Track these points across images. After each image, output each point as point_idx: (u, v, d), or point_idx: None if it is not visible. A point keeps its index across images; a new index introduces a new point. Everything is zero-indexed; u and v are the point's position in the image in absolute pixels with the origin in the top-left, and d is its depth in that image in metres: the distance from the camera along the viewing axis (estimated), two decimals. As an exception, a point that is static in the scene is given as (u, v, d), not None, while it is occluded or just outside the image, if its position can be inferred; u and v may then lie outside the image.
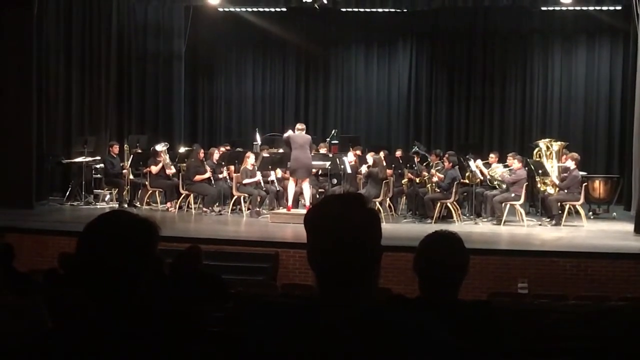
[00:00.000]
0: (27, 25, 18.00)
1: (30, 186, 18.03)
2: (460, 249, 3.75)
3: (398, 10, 22.91)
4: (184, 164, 18.67)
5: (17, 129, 17.83)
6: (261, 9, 23.59)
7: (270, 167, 17.85)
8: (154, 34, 23.54)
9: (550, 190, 17.14)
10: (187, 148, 20.55)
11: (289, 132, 16.93)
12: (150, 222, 2.64)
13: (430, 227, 15.33)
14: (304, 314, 2.40)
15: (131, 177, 18.94)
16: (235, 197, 17.71)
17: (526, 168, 16.99)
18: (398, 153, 19.55)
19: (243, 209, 17.58)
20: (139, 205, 18.50)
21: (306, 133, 16.86)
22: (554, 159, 17.80)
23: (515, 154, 17.42)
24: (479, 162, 17.53)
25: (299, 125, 16.88)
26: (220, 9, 23.32)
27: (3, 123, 17.94)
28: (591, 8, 21.82)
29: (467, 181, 17.60)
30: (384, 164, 17.24)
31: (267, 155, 18.47)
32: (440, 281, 3.66)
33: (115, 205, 18.45)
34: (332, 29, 24.88)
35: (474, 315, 3.67)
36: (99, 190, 19.50)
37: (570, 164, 16.70)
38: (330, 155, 18.28)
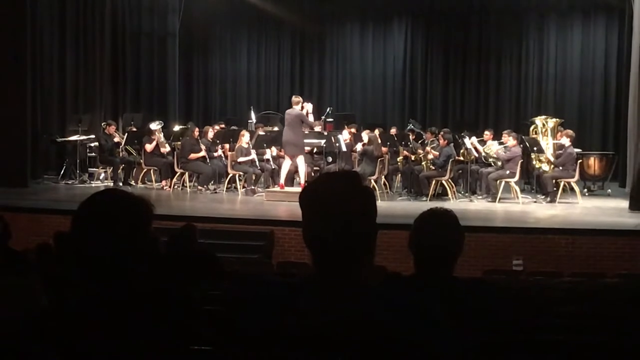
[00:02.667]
0: (21, 3, 17.89)
1: (25, 165, 18.00)
2: (455, 226, 3.75)
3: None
4: (179, 143, 18.65)
5: (12, 107, 17.75)
6: (256, -14, 23.52)
7: (265, 145, 17.83)
8: (148, 11, 23.47)
9: (545, 167, 17.14)
10: (181, 126, 20.53)
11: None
12: (145, 201, 2.64)
13: (425, 204, 15.31)
14: (300, 292, 2.40)
15: (130, 150, 18.89)
16: (230, 175, 17.69)
17: (521, 145, 16.98)
18: (393, 131, 19.54)
19: (238, 187, 17.57)
20: (134, 184, 18.48)
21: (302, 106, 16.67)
22: (549, 136, 17.80)
23: (510, 131, 17.41)
24: (474, 139, 17.52)
25: (293, 98, 16.70)
26: (215, -14, 23.26)
27: (-3, 102, 17.91)
28: (586, -15, 21.80)
29: (462, 158, 17.61)
30: (379, 141, 17.22)
31: (262, 133, 18.46)
32: (436, 259, 3.66)
33: (110, 183, 18.44)
34: (328, 7, 24.82)
35: (469, 292, 3.68)
36: (94, 169, 19.49)
37: (565, 141, 16.70)
38: (325, 133, 18.26)
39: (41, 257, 7.92)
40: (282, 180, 16.68)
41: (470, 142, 17.31)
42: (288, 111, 16.43)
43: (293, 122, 16.27)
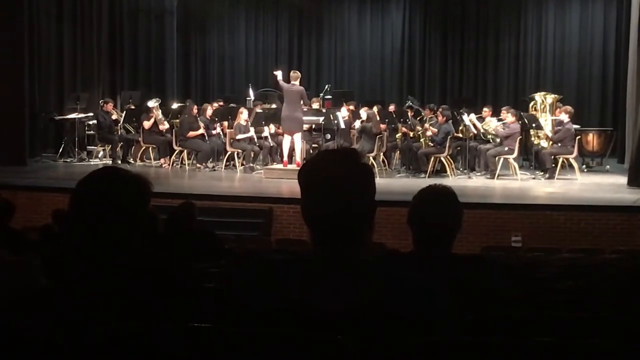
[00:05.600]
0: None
1: (23, 143, 17.99)
2: (454, 203, 3.75)
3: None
4: (177, 120, 18.63)
5: (10, 85, 17.71)
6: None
7: (263, 122, 17.82)
8: (145, -12, 23.38)
9: (544, 143, 17.15)
10: (180, 104, 20.48)
11: (282, 83, 16.56)
12: (143, 178, 2.64)
13: (423, 181, 15.30)
14: (299, 270, 2.40)
15: (128, 128, 18.91)
16: (229, 152, 17.67)
17: (520, 122, 16.96)
18: (391, 108, 19.52)
19: (237, 164, 17.55)
20: (133, 162, 18.47)
21: (300, 85, 16.57)
22: (548, 113, 17.79)
23: (509, 108, 17.38)
24: (473, 116, 17.50)
25: (292, 74, 16.61)
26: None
27: (-5, 80, 17.85)
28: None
29: (460, 135, 17.58)
30: (378, 118, 17.20)
31: (261, 110, 18.43)
32: (434, 235, 3.66)
33: (109, 161, 18.42)
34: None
35: (467, 269, 3.69)
36: (92, 147, 19.46)
37: (564, 117, 16.68)
38: (324, 110, 18.20)
39: (42, 235, 7.94)
40: (285, 158, 16.66)
41: (468, 118, 17.29)
42: (287, 87, 16.31)
43: (294, 98, 16.20)
